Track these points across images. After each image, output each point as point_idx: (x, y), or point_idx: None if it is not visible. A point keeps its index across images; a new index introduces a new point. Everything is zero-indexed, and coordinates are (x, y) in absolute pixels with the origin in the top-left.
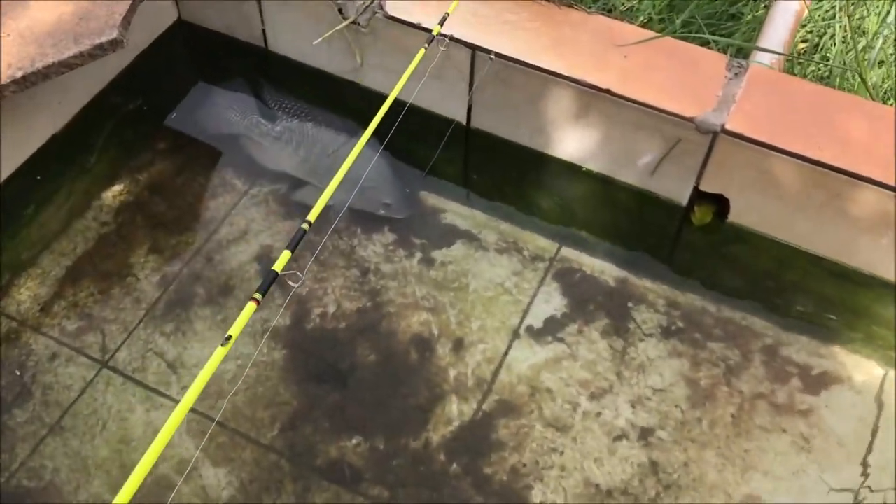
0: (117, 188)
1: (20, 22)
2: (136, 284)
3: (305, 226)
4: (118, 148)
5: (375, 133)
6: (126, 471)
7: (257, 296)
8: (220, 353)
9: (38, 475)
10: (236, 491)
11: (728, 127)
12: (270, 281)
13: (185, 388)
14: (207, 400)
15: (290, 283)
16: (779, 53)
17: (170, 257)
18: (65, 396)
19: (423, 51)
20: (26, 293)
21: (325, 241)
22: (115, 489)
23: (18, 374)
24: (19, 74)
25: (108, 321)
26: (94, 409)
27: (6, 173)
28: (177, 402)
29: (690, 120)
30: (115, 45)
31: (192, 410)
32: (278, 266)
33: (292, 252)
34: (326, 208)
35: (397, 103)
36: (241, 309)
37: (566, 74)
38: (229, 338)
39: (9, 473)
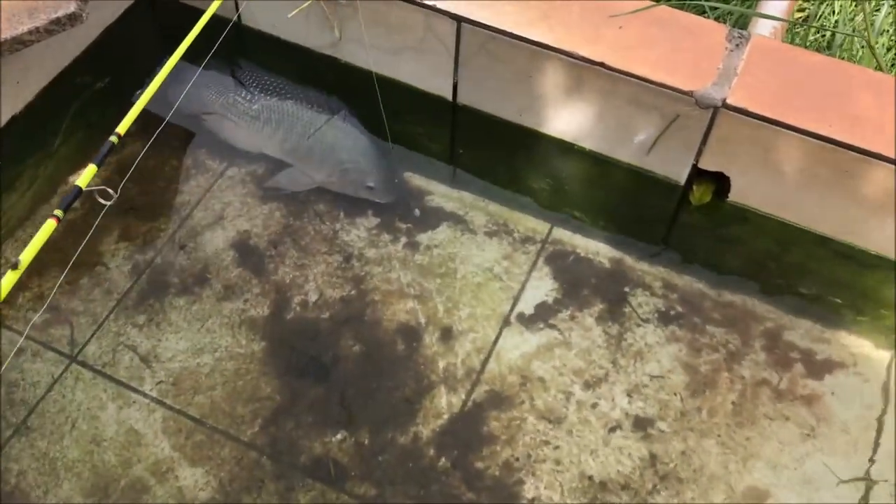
0: (84, 172)
1: None
2: (106, 274)
3: (114, 138)
4: (84, 129)
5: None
6: (98, 472)
7: (58, 213)
8: (10, 278)
9: (2, 479)
10: (215, 491)
11: (729, 101)
12: (73, 196)
13: (160, 382)
14: (183, 396)
15: (101, 199)
16: (783, 20)
17: (141, 244)
18: (31, 394)
19: None
20: None
21: (142, 153)
22: (87, 493)
23: None
24: None
25: (77, 313)
26: (63, 406)
27: None
28: (151, 398)
29: (689, 94)
30: (73, 19)
31: (167, 407)
32: (83, 181)
33: (99, 166)
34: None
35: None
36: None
37: (557, 47)
38: (18, 263)
39: None
